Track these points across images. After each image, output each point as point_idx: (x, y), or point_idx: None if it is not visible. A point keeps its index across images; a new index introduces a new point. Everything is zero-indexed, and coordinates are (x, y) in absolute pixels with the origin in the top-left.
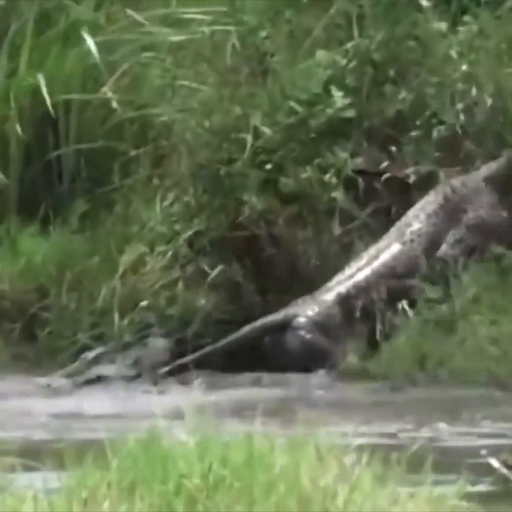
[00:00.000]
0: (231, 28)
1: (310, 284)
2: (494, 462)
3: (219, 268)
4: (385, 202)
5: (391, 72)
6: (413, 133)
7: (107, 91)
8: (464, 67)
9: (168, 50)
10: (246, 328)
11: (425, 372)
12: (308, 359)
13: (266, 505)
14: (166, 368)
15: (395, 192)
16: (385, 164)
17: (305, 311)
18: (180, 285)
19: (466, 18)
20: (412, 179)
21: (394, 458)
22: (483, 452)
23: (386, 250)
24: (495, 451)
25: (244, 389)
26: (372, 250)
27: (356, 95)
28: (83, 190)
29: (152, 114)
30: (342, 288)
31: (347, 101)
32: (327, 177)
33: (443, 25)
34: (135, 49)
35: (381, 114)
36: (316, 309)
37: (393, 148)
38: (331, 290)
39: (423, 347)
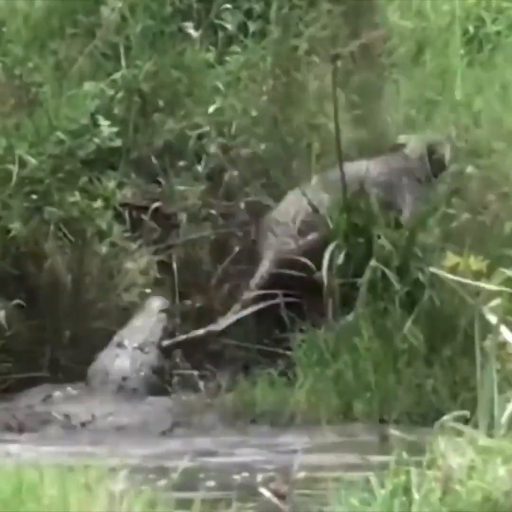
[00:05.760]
0: None
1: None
2: (265, 491)
3: None
4: (152, 234)
5: (160, 103)
6: (181, 164)
7: None
8: (230, 97)
9: None
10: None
11: None
12: None
13: None
14: None
15: (160, 225)
16: (154, 199)
17: None
18: None
19: (233, 47)
20: (180, 216)
21: (164, 483)
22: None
23: None
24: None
25: None
26: None
27: (124, 125)
28: None
29: None
30: None
31: (114, 130)
32: (95, 204)
33: (210, 55)
34: None
35: (150, 144)
36: None
37: (162, 180)
38: None
39: None
